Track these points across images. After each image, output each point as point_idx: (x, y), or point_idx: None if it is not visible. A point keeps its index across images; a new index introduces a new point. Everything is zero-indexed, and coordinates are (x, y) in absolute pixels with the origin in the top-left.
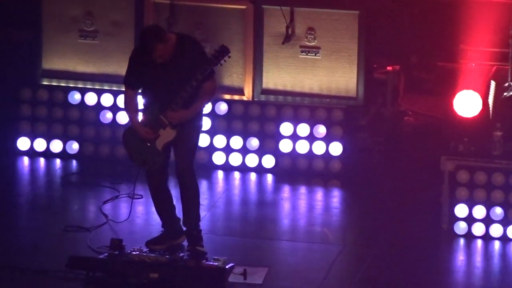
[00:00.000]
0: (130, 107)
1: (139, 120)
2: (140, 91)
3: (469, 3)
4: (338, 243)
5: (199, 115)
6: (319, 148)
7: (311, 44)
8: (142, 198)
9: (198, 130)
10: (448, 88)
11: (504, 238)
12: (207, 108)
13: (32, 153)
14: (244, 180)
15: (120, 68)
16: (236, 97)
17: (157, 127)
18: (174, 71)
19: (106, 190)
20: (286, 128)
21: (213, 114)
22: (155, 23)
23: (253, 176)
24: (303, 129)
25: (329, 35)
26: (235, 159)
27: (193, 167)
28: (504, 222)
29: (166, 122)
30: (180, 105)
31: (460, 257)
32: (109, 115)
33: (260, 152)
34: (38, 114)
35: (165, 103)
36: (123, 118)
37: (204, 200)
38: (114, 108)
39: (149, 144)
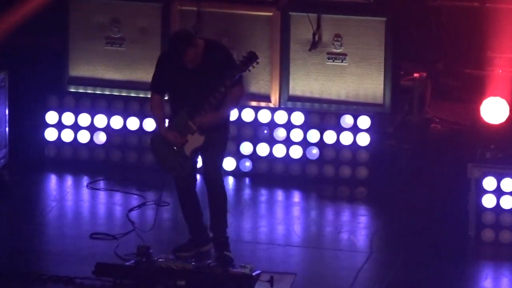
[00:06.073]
0: (157, 112)
1: (166, 126)
2: (166, 96)
3: (496, 10)
4: (365, 250)
5: (227, 121)
6: (345, 155)
7: (338, 51)
8: (169, 205)
9: (226, 136)
10: (475, 95)
11: None
12: (234, 115)
13: (59, 160)
14: (270, 187)
15: (147, 75)
16: (263, 104)
17: (185, 133)
18: (202, 77)
19: (132, 197)
20: (313, 135)
21: (240, 121)
22: (184, 28)
23: (279, 182)
24: (330, 136)
25: (356, 41)
26: (262, 166)
27: (221, 173)
28: None
29: (194, 128)
30: (208, 111)
31: (487, 265)
32: (136, 122)
33: (287, 159)
34: (65, 121)
35: (192, 109)
36: (149, 125)
37: (230, 207)
38: (141, 115)
39: (177, 150)
